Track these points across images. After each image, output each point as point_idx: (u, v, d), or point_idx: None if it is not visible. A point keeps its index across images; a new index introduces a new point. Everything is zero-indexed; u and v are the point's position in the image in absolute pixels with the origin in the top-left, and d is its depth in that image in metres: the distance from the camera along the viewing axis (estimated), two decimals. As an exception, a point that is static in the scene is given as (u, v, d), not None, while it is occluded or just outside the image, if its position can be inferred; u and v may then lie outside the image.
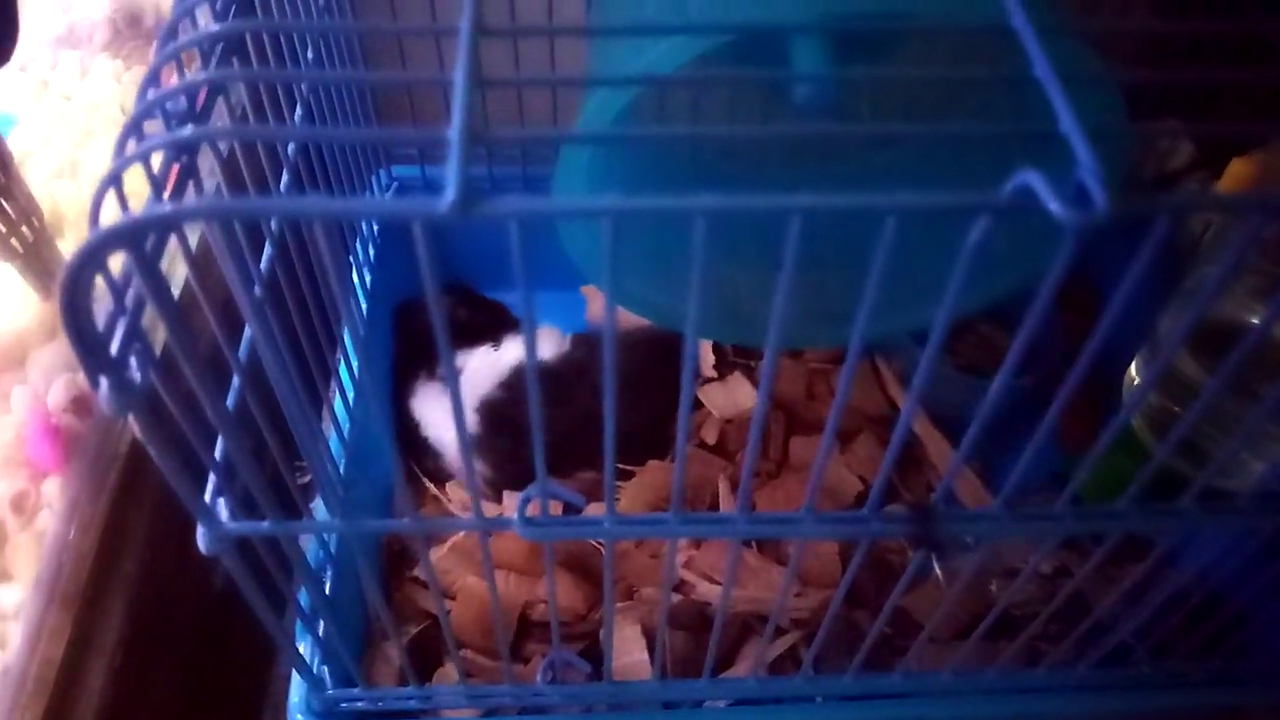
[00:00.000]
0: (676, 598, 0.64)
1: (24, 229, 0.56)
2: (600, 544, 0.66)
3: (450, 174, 0.23)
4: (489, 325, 0.80)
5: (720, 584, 0.64)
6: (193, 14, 0.38)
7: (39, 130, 0.68)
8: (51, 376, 0.58)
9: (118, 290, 0.30)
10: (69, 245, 0.63)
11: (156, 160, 0.34)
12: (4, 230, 0.55)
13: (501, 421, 0.73)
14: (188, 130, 0.29)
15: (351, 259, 0.70)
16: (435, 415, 0.76)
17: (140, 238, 0.25)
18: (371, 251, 0.73)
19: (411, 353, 0.78)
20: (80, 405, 0.58)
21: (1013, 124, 0.29)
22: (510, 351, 0.78)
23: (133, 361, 0.31)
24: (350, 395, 0.62)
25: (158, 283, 0.28)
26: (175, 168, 0.35)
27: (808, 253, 0.26)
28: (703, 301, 0.27)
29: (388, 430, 0.74)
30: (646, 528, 0.38)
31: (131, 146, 0.32)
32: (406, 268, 0.84)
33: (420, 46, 0.76)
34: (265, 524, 0.40)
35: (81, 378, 0.58)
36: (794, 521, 0.36)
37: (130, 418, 0.31)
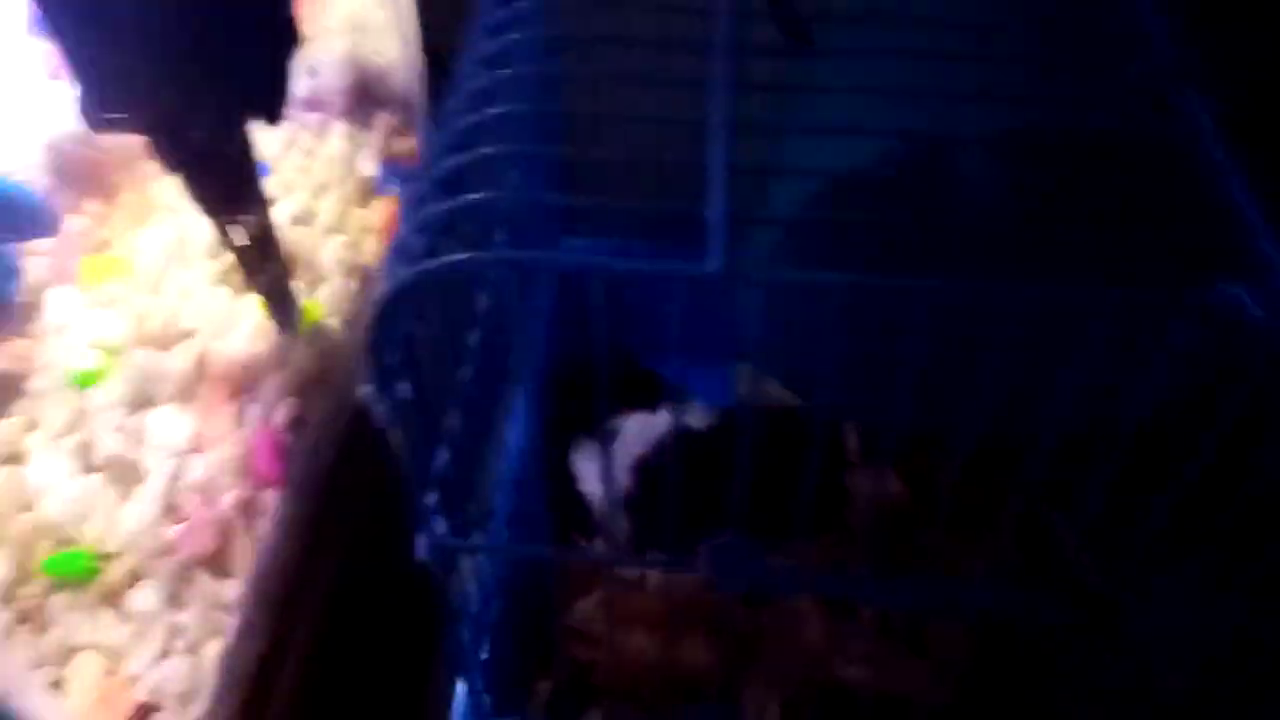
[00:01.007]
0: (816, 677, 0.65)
1: (270, 267, 0.64)
2: (744, 607, 0.69)
3: (715, 245, 0.28)
4: (644, 391, 0.85)
5: (862, 667, 0.65)
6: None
7: (283, 180, 0.77)
8: (278, 399, 0.65)
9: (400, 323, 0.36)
10: (300, 286, 0.70)
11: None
12: (257, 267, 0.63)
13: (653, 483, 0.77)
14: (475, 195, 0.35)
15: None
16: (590, 471, 0.81)
17: (445, 282, 0.30)
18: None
19: (573, 408, 0.82)
20: (298, 426, 0.65)
21: (1201, 236, 0.31)
22: (665, 418, 0.83)
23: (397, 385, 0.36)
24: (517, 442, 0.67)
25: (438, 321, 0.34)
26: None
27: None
28: (903, 387, 0.30)
29: (544, 483, 0.79)
30: (835, 581, 0.40)
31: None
32: (574, 327, 0.89)
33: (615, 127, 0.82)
34: (477, 540, 0.44)
35: (300, 403, 0.66)
36: (976, 588, 0.38)
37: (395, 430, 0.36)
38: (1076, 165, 0.62)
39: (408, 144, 0.91)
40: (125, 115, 0.50)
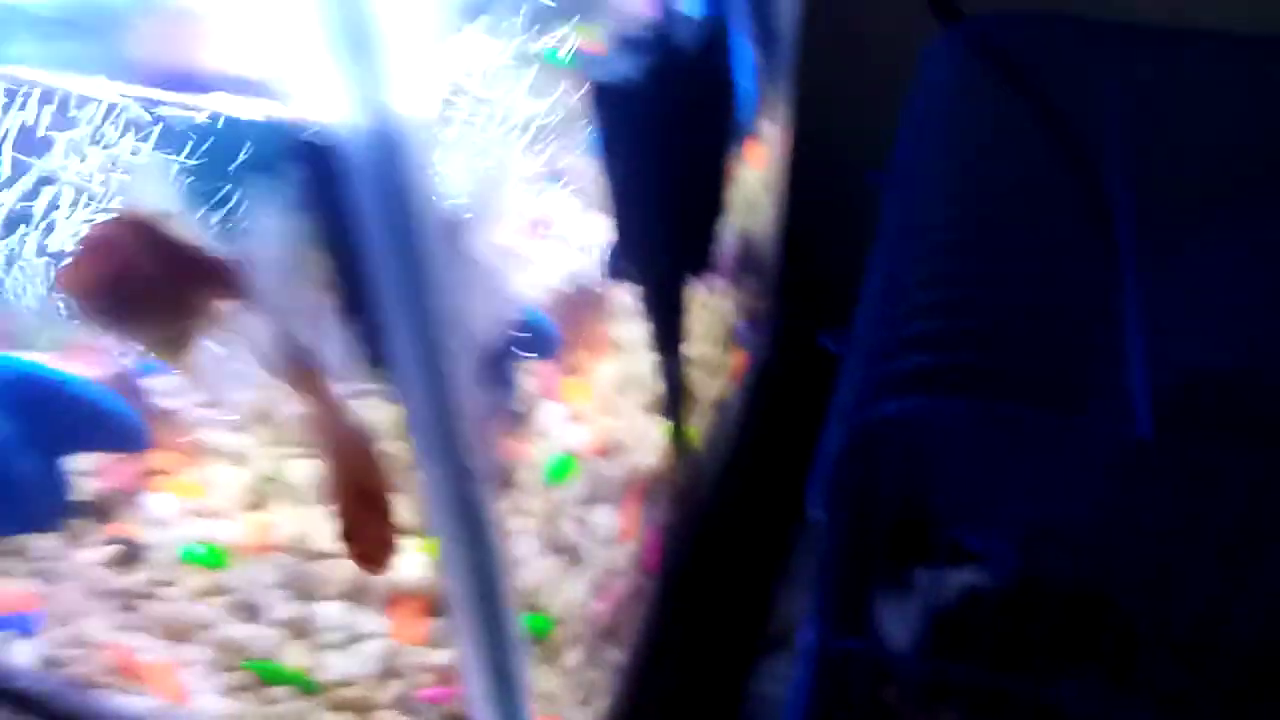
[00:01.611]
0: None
1: (681, 398, 0.78)
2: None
3: (1143, 410, 0.37)
4: (939, 550, 0.91)
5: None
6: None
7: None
8: (661, 506, 0.79)
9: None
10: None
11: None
12: (674, 397, 0.77)
13: (954, 638, 0.83)
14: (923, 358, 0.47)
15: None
16: (892, 625, 0.88)
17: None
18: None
19: (878, 555, 0.90)
20: (671, 530, 0.79)
21: None
22: (962, 575, 0.89)
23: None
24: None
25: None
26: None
27: None
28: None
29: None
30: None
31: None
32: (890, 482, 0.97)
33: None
34: (851, 643, 0.55)
35: (675, 510, 0.79)
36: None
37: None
38: None
39: (759, 305, 1.07)
40: (632, 268, 0.68)
